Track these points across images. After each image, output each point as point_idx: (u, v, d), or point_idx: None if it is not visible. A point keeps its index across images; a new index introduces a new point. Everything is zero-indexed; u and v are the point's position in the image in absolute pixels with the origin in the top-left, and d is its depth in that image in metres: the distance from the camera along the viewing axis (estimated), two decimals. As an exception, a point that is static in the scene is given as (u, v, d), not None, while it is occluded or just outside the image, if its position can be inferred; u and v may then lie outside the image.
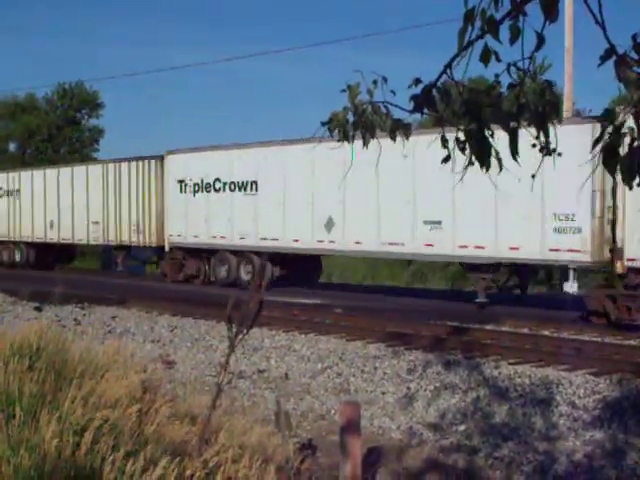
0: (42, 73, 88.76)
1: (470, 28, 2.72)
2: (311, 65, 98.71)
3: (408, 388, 11.90)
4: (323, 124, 3.09)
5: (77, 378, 6.68)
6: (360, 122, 3.00)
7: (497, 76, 2.90)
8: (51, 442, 5.02)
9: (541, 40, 2.70)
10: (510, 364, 12.65)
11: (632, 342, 14.67)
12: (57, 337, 8.35)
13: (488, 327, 16.45)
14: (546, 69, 38.12)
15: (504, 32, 2.71)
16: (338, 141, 3.12)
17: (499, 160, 2.95)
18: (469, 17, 2.70)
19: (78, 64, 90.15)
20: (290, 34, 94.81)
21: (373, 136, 3.04)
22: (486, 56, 2.76)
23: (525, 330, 16.24)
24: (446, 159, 3.05)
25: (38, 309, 19.78)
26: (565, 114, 22.34)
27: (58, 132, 51.22)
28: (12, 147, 53.61)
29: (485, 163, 2.90)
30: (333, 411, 10.93)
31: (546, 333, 15.88)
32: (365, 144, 3.07)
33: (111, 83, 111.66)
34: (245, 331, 5.60)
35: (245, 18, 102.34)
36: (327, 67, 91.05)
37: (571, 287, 23.46)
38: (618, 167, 2.64)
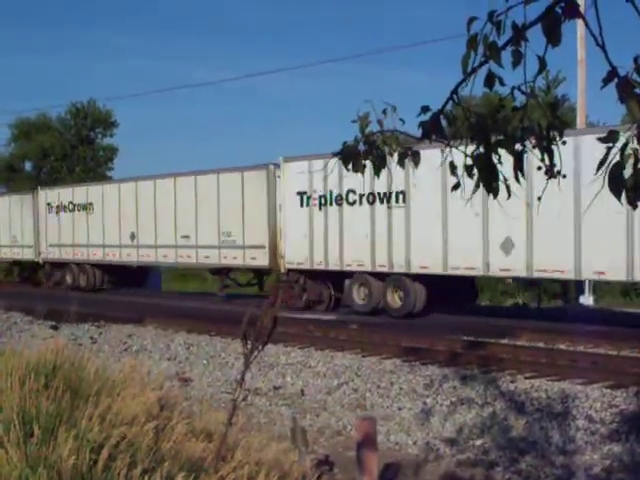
0: (55, 92, 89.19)
1: (473, 54, 2.76)
2: (325, 80, 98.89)
3: (424, 403, 11.88)
4: (335, 154, 3.16)
5: (94, 396, 6.70)
6: (371, 152, 3.08)
7: (501, 99, 2.93)
8: (68, 460, 5.05)
9: (543, 64, 2.72)
10: (526, 378, 12.62)
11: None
12: (73, 355, 8.38)
13: (503, 341, 16.41)
14: (560, 82, 37.76)
15: (508, 56, 2.76)
16: (353, 171, 3.19)
17: (507, 185, 2.98)
18: (472, 43, 2.74)
19: (91, 82, 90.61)
20: (304, 49, 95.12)
21: (384, 166, 3.11)
22: (490, 81, 2.80)
23: (541, 344, 16.19)
24: (456, 186, 3.10)
25: (54, 328, 19.90)
26: (578, 127, 22.39)
27: (72, 151, 51.48)
28: (28, 166, 53.92)
29: (492, 188, 2.93)
30: (349, 427, 10.93)
31: (562, 347, 15.83)
32: (377, 173, 3.15)
33: (126, 101, 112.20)
34: (260, 348, 5.63)
35: (263, 34, 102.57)
36: (343, 82, 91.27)
37: (587, 300, 23.54)
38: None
